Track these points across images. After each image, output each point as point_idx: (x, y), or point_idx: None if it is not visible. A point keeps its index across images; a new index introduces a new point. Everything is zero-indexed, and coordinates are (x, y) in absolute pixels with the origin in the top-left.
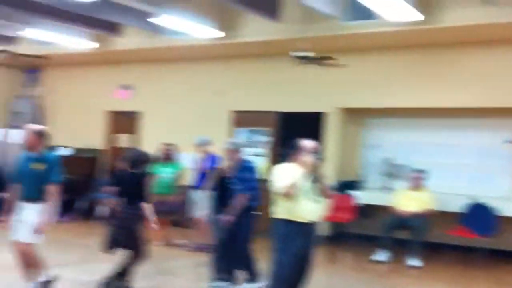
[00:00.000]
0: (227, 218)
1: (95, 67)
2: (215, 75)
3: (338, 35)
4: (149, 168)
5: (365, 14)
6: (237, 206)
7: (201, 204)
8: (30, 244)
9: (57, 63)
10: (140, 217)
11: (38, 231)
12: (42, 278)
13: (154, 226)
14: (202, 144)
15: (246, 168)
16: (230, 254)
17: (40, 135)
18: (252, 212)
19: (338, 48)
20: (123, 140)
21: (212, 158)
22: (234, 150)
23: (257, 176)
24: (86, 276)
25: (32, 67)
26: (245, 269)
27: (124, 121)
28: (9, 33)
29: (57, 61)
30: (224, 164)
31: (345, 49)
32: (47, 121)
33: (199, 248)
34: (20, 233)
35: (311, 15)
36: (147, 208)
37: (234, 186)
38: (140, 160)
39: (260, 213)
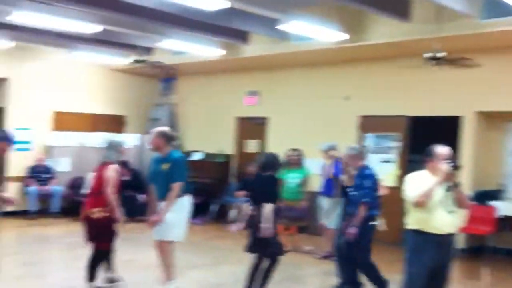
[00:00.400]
0: (351, 230)
1: (223, 75)
2: (341, 79)
3: (473, 33)
4: (279, 173)
5: (503, 11)
6: (359, 217)
7: (328, 211)
8: (168, 243)
9: (189, 72)
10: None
11: (153, 223)
12: (171, 285)
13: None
14: (329, 150)
15: (365, 175)
16: (352, 263)
17: (164, 136)
18: (370, 223)
19: (473, 48)
20: (252, 146)
21: (339, 164)
22: (355, 155)
23: (376, 183)
24: (214, 278)
25: (168, 76)
26: (370, 279)
27: (252, 126)
28: (146, 43)
29: (189, 69)
30: (345, 170)
31: (482, 48)
32: (181, 127)
33: (326, 256)
34: (160, 232)
35: (443, 13)
36: (267, 209)
37: (353, 194)
38: (272, 163)
39: (379, 223)
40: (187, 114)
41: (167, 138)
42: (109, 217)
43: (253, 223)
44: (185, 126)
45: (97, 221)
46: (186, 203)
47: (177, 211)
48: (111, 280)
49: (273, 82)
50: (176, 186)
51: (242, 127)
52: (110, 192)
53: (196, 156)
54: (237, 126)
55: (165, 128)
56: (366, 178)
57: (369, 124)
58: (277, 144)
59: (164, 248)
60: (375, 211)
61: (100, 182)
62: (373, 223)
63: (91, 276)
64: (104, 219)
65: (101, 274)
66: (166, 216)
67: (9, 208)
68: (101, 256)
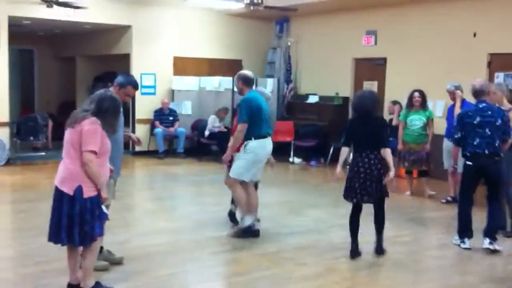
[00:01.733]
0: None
1: (340, 14)
2: (468, 14)
3: None
4: (398, 115)
5: None
6: None
7: (452, 154)
8: (234, 180)
9: (304, 12)
10: (382, 165)
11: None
12: (246, 222)
13: (391, 175)
14: (454, 90)
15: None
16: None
17: (242, 79)
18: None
19: None
20: (370, 87)
21: (465, 105)
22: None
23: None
24: (332, 218)
25: (282, 18)
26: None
27: (370, 67)
28: None
29: (304, 10)
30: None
31: None
32: (296, 69)
33: (450, 201)
34: (231, 171)
35: None
36: (388, 154)
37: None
38: (373, 103)
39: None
40: (302, 56)
41: (245, 81)
42: None
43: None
44: (300, 68)
45: None
46: (252, 145)
47: (244, 152)
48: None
49: (392, 20)
50: (238, 127)
51: (359, 68)
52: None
53: (311, 99)
54: (354, 67)
55: (245, 71)
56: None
57: (501, 62)
58: (396, 85)
59: (232, 185)
60: None
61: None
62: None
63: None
64: None
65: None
66: (236, 156)
67: (139, 148)
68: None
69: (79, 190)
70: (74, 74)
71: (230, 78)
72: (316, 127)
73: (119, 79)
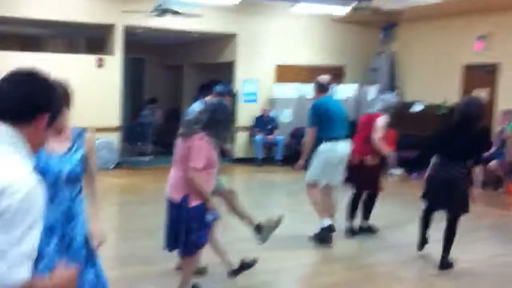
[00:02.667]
0: None
1: (449, 18)
2: None
3: None
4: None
5: None
6: None
7: None
8: (309, 184)
9: (412, 17)
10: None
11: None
12: (323, 224)
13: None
14: None
15: None
16: None
17: (317, 85)
18: None
19: None
20: (480, 96)
21: None
22: None
23: None
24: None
25: (388, 23)
26: None
27: (481, 74)
28: None
29: (411, 15)
30: None
31: None
32: (401, 76)
33: None
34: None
35: None
36: (475, 171)
37: None
38: (477, 112)
39: None
40: (408, 62)
41: (319, 87)
42: (378, 165)
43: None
44: (406, 75)
45: (369, 168)
46: (322, 148)
47: (316, 156)
48: (370, 229)
49: (506, 24)
50: (308, 131)
51: (468, 75)
52: (376, 139)
53: (415, 107)
54: (463, 74)
55: (321, 77)
56: None
57: None
58: (510, 93)
59: (307, 188)
60: None
61: (367, 130)
62: None
63: (352, 215)
64: (376, 166)
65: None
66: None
67: (238, 155)
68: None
69: (185, 198)
70: (181, 82)
71: (331, 86)
72: (419, 138)
73: (218, 88)
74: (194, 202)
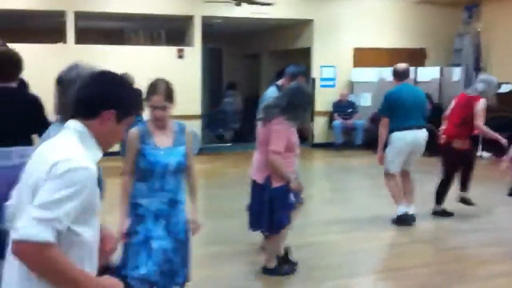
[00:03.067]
0: None
1: None
2: None
3: None
4: None
5: None
6: None
7: None
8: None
9: None
10: None
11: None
12: (400, 211)
13: None
14: None
15: None
16: None
17: (394, 73)
18: None
19: None
20: None
21: None
22: None
23: None
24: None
25: (472, 3)
26: None
27: None
28: None
29: None
30: None
31: None
32: (485, 57)
33: None
34: None
35: None
36: None
37: None
38: None
39: None
40: (493, 42)
41: (395, 75)
42: (470, 149)
43: None
44: (491, 56)
45: (457, 151)
46: (394, 137)
47: (389, 145)
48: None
49: None
50: (381, 121)
51: None
52: (481, 125)
53: (503, 88)
54: None
55: (398, 65)
56: None
57: None
58: None
59: (384, 177)
60: None
61: (464, 112)
62: None
63: (439, 200)
64: (465, 150)
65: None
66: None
67: (318, 140)
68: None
69: (268, 179)
70: (258, 70)
71: (413, 68)
72: (508, 119)
73: (290, 69)
74: (276, 183)
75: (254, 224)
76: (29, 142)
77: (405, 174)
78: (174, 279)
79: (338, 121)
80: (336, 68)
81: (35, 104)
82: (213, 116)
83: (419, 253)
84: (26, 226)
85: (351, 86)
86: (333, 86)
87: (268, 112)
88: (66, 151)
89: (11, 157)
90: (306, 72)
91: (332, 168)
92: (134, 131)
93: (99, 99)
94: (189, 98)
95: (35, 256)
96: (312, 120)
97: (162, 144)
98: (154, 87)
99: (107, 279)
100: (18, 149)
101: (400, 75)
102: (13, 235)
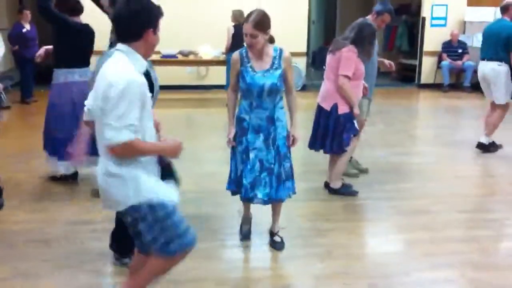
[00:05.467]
0: None
1: None
2: None
3: None
4: None
5: None
6: None
7: None
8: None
9: None
10: None
11: None
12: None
13: None
14: None
15: None
16: None
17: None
18: None
19: None
20: None
21: None
22: None
23: None
24: None
25: None
26: None
27: None
28: None
29: None
30: None
31: None
32: None
33: None
34: None
35: None
36: None
37: None
38: None
39: None
40: None
41: (500, 10)
42: None
43: None
44: None
45: None
46: None
47: None
48: None
49: None
50: None
51: None
52: None
53: None
54: None
55: (505, 1)
56: None
57: None
58: None
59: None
60: None
61: None
62: None
63: None
64: None
65: None
66: None
67: (424, 81)
68: None
69: (335, 107)
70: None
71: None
72: None
73: (378, 7)
74: (342, 110)
75: (316, 145)
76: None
77: (492, 105)
78: (277, 189)
79: (446, 62)
80: (448, 7)
81: (93, 34)
82: (318, 53)
83: None
84: (113, 135)
85: (463, 26)
86: (444, 25)
87: (338, 43)
88: (120, 71)
89: (86, 74)
90: (391, 10)
91: (437, 108)
92: (235, 54)
93: (138, 25)
94: (295, 35)
95: (126, 151)
96: (420, 59)
97: (259, 67)
98: (248, 16)
99: (171, 140)
100: (86, 70)
101: (502, 10)
102: (106, 143)
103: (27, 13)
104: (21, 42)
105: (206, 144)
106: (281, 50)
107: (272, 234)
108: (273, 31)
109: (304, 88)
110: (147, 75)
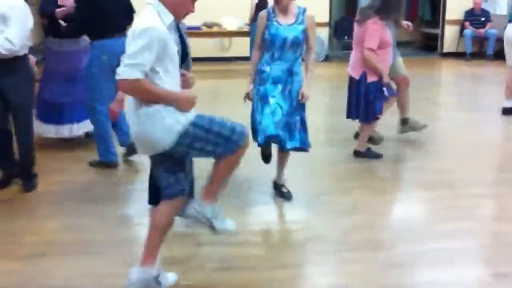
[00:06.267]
0: None
1: None
2: None
3: None
4: None
5: None
6: None
7: None
8: None
9: None
10: None
11: None
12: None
13: None
14: None
15: None
16: None
17: None
18: None
19: None
20: None
21: None
22: None
23: None
24: None
25: None
26: None
27: None
28: None
29: None
30: None
31: None
32: None
33: None
34: None
35: None
36: None
37: None
38: None
39: None
40: None
41: None
42: None
43: None
44: None
45: None
46: None
47: None
48: None
49: None
50: None
51: None
52: None
53: None
54: None
55: None
56: None
57: None
58: None
59: None
60: None
61: None
62: None
63: None
64: None
65: None
66: None
67: (447, 49)
68: None
69: (363, 75)
70: None
71: None
72: None
73: None
74: (371, 78)
75: (352, 114)
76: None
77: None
78: (292, 137)
79: (469, 30)
80: None
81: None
82: (339, 23)
83: None
84: (123, 70)
85: None
86: None
87: (364, 13)
88: (144, 19)
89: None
90: None
91: (460, 77)
92: (263, 12)
93: None
94: (316, 4)
95: (132, 87)
96: (442, 28)
97: (284, 22)
98: None
99: (185, 92)
100: None
101: None
102: (116, 77)
103: None
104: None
105: (231, 114)
106: (304, 9)
107: (278, 185)
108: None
109: (326, 58)
110: (181, 37)
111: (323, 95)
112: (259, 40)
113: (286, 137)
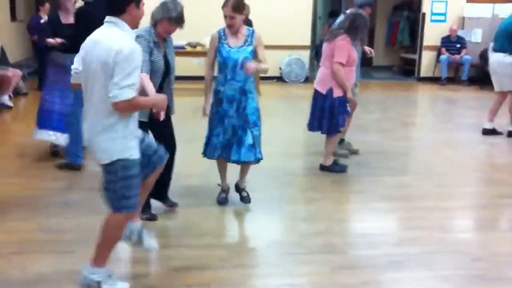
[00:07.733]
0: None
1: None
2: None
3: None
4: None
5: None
6: None
7: None
8: None
9: None
10: None
11: None
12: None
13: None
14: None
15: None
16: None
17: None
18: None
19: None
20: None
21: None
22: None
23: None
24: None
25: None
26: None
27: None
28: None
29: None
30: None
31: None
32: None
33: None
34: None
35: None
36: None
37: None
38: None
39: None
40: None
41: None
42: None
43: None
44: None
45: None
46: None
47: None
48: None
49: None
50: None
51: None
52: None
53: None
54: None
55: None
56: None
57: None
58: None
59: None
60: None
61: None
62: None
63: None
64: None
65: None
66: None
67: (424, 74)
68: None
69: (330, 90)
70: (375, 3)
71: None
72: None
73: (358, 0)
74: (337, 94)
75: (314, 126)
76: None
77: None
78: (244, 152)
79: (445, 56)
80: (448, 3)
81: None
82: (319, 46)
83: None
84: (120, 92)
85: (462, 21)
86: (443, 21)
87: (333, 32)
88: (120, 40)
89: None
90: (371, 3)
91: (434, 99)
92: (214, 33)
93: (121, 1)
94: (299, 28)
95: (129, 106)
96: (419, 54)
97: (234, 44)
98: (226, 1)
99: (157, 95)
100: None
101: None
102: (113, 100)
103: (48, 6)
104: (40, 32)
105: None
106: (253, 31)
107: (239, 189)
108: (279, 24)
109: (307, 79)
110: (165, 57)
111: (302, 114)
112: (211, 57)
113: (231, 151)
